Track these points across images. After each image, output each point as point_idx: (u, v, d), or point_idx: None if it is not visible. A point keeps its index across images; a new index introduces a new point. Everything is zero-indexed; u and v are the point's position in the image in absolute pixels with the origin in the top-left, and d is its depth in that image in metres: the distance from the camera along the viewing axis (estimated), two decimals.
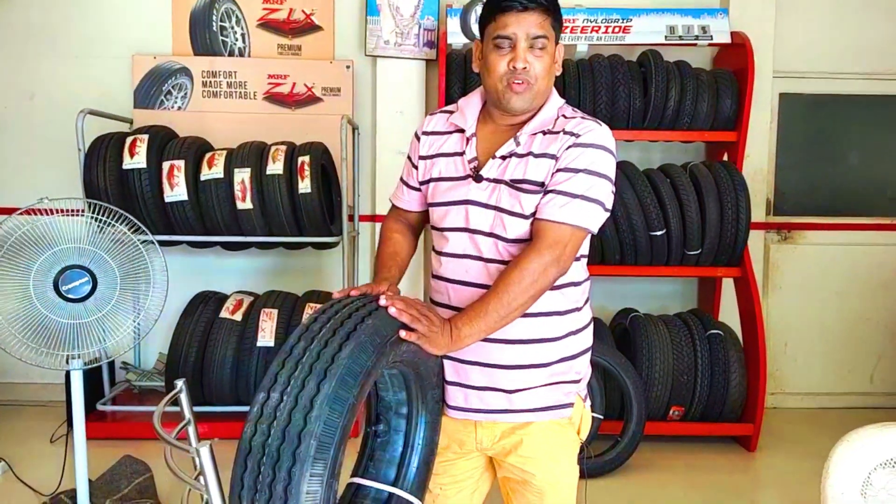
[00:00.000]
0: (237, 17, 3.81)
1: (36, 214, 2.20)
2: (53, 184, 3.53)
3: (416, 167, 1.51)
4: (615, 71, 3.39)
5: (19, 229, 2.17)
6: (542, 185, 1.34)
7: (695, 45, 3.59)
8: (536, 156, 1.36)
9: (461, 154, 1.43)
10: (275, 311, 3.28)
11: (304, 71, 3.77)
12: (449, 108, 1.52)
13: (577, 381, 1.46)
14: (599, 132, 1.36)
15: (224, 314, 3.30)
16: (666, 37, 3.55)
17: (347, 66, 3.78)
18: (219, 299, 3.43)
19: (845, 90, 3.99)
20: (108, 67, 3.78)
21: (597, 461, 3.07)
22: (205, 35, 3.79)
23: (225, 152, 3.32)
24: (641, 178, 3.30)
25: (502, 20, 1.34)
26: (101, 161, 3.20)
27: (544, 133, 1.38)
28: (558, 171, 1.34)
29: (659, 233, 3.25)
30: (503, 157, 1.38)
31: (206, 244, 3.51)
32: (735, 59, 3.57)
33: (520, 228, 1.36)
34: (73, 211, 2.26)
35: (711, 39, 3.56)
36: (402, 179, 1.57)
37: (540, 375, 1.40)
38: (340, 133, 3.36)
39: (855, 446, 1.36)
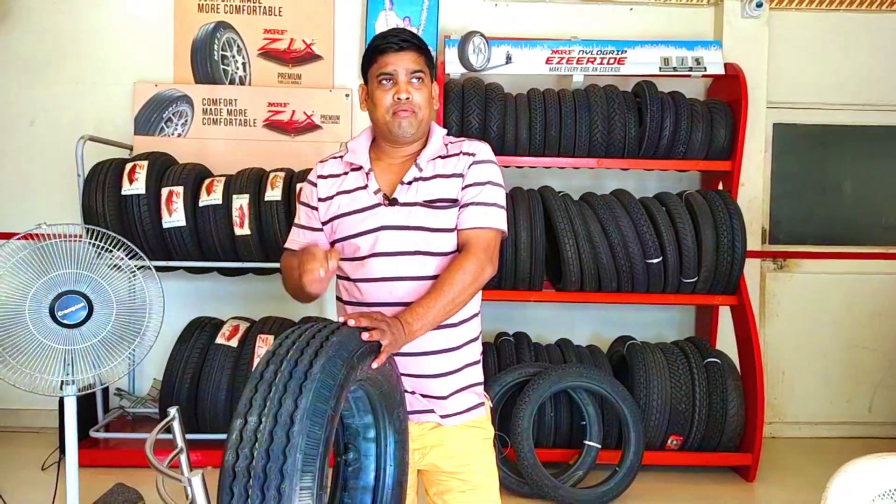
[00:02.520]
0: (238, 46, 3.86)
1: (34, 239, 2.21)
2: (52, 209, 3.54)
3: (315, 209, 1.62)
4: (611, 101, 3.44)
5: (17, 254, 2.17)
6: (454, 201, 1.53)
7: (689, 76, 3.65)
8: (445, 177, 1.54)
9: (364, 188, 1.56)
10: (271, 338, 3.27)
11: (304, 99, 3.81)
12: (338, 153, 1.66)
13: (482, 383, 1.65)
14: (487, 149, 1.60)
15: (220, 340, 3.29)
16: (660, 68, 3.61)
17: (347, 95, 3.82)
18: (215, 325, 3.42)
19: (839, 121, 4.04)
20: (110, 94, 3.81)
21: (594, 491, 3.04)
22: (206, 63, 3.84)
23: (224, 179, 3.34)
24: (638, 206, 3.32)
25: (383, 60, 1.51)
26: (101, 187, 3.21)
27: (442, 157, 1.57)
28: (468, 186, 1.54)
29: (655, 261, 3.26)
30: (409, 183, 1.54)
31: (203, 270, 3.51)
32: (729, 89, 3.62)
33: (445, 243, 1.52)
34: (71, 236, 2.26)
35: (705, 71, 3.62)
36: (298, 225, 1.66)
37: (457, 381, 1.56)
38: None
39: (853, 477, 1.35)
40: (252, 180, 3.31)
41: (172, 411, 1.36)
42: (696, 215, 3.32)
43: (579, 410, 3.20)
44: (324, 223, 1.61)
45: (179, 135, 3.77)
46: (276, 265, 3.37)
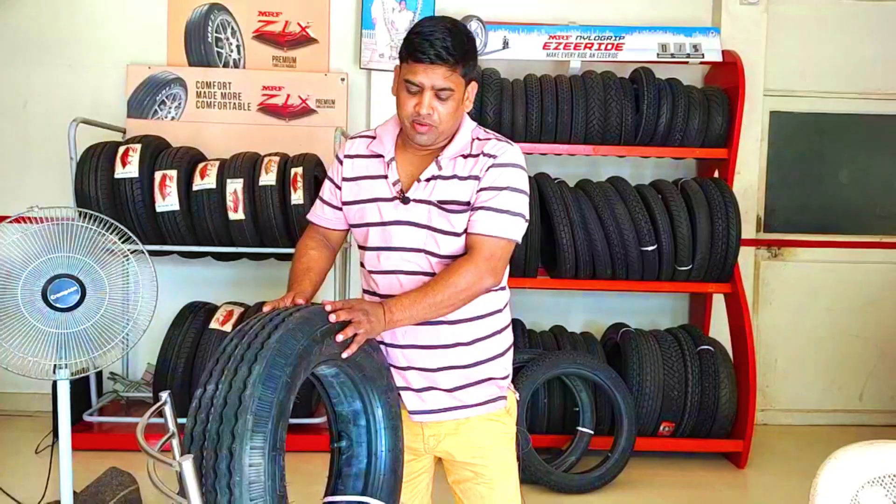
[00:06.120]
0: (233, 28, 3.82)
1: (26, 222, 2.19)
2: (44, 192, 3.50)
3: (339, 187, 1.59)
4: (607, 87, 3.42)
5: (9, 237, 2.15)
6: (467, 203, 1.47)
7: (686, 62, 3.63)
8: (462, 178, 1.48)
9: (384, 177, 1.52)
10: None
11: (299, 83, 3.78)
12: (368, 132, 1.62)
13: (506, 377, 1.60)
14: (513, 152, 1.51)
15: (214, 325, 3.28)
16: (658, 54, 3.59)
17: (342, 79, 3.79)
18: (209, 310, 3.42)
19: (835, 109, 4.03)
20: (102, 76, 3.78)
21: (587, 477, 3.07)
22: (200, 46, 3.80)
23: (218, 163, 3.32)
24: (633, 193, 3.32)
25: (413, 67, 1.43)
26: (93, 170, 3.19)
27: (464, 157, 1.50)
28: (482, 189, 1.47)
29: (650, 248, 3.27)
30: (427, 180, 1.49)
31: (197, 254, 3.50)
32: (726, 77, 3.60)
33: (452, 245, 1.49)
34: (63, 220, 2.24)
35: (703, 58, 3.60)
36: (322, 199, 1.65)
37: (473, 374, 1.53)
38: (334, 145, 3.37)
39: (843, 464, 1.36)
40: (246, 165, 3.29)
41: (164, 395, 1.36)
42: (691, 203, 3.31)
43: (572, 397, 3.22)
44: (344, 203, 1.58)
45: (173, 118, 3.74)
46: (270, 250, 3.37)
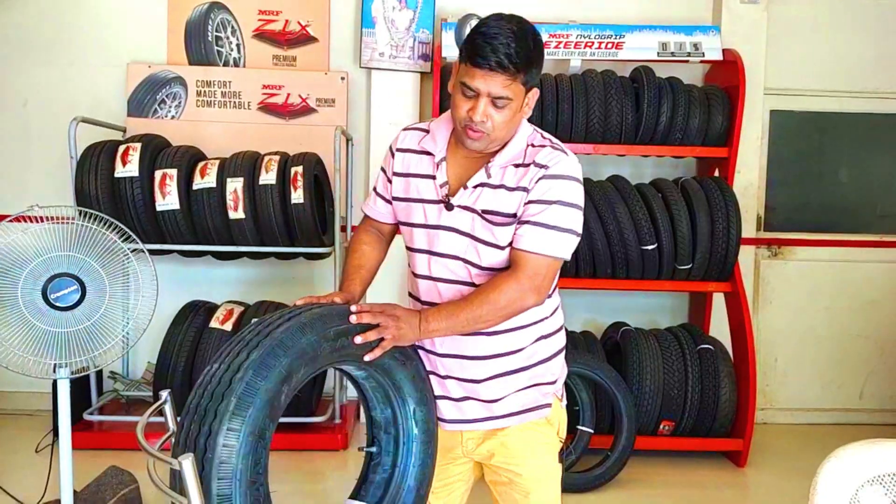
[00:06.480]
0: (233, 27, 3.82)
1: (26, 221, 2.19)
2: (45, 191, 3.51)
3: (390, 181, 1.55)
4: (608, 86, 3.42)
5: (9, 236, 2.15)
6: (513, 216, 1.39)
7: (687, 61, 3.63)
8: (509, 189, 1.40)
9: (433, 177, 1.46)
10: None
11: (299, 82, 3.78)
12: (423, 126, 1.55)
13: (553, 383, 1.54)
14: (567, 163, 1.40)
15: (214, 324, 3.28)
16: (658, 53, 3.58)
17: (342, 78, 3.79)
18: (209, 309, 3.42)
19: (836, 108, 4.03)
20: (102, 75, 3.77)
21: (586, 475, 3.07)
22: (200, 45, 3.80)
23: (218, 162, 3.32)
24: (633, 192, 3.32)
25: (471, 71, 1.35)
26: (93, 169, 3.19)
27: (515, 166, 1.41)
28: (531, 202, 1.38)
29: (650, 247, 3.26)
30: (474, 187, 1.42)
31: (197, 253, 3.50)
32: (726, 75, 3.60)
33: (494, 257, 1.42)
34: (63, 219, 2.24)
35: (703, 56, 3.59)
36: (376, 191, 1.61)
37: (516, 382, 1.48)
38: (334, 144, 3.36)
39: (843, 463, 1.36)
40: (246, 163, 3.29)
41: (164, 394, 1.36)
42: (691, 202, 3.31)
43: (573, 396, 3.22)
44: (394, 198, 1.53)
45: (173, 117, 3.74)
46: (270, 249, 3.37)
